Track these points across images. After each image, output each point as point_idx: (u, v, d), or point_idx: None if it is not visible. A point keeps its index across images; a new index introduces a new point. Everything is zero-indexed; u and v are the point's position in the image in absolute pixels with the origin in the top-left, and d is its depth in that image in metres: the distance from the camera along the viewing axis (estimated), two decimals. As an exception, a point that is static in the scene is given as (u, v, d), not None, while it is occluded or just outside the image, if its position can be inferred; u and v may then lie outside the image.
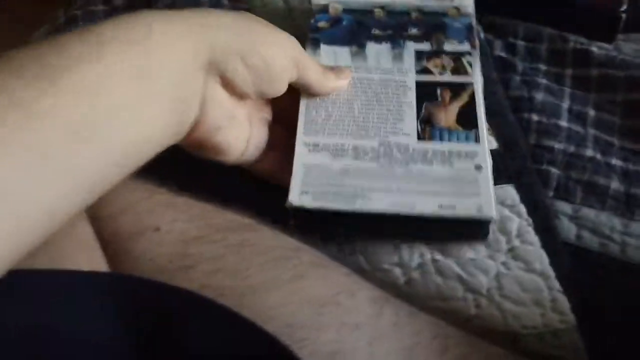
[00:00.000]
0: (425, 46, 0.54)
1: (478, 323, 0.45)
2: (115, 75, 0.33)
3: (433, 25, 0.56)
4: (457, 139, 0.48)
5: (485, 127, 0.49)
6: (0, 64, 0.30)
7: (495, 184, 0.47)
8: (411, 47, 0.54)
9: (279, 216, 0.44)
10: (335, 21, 0.57)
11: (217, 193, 0.43)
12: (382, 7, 0.57)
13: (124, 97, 0.33)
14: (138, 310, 0.35)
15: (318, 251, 0.42)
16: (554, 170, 0.53)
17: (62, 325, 0.34)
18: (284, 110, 0.49)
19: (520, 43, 0.60)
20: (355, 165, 0.47)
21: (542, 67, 0.59)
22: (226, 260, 0.39)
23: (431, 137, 0.48)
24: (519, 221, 0.49)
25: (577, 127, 0.55)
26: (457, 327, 0.42)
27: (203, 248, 0.39)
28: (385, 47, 0.54)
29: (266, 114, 0.49)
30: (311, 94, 0.49)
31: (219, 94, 0.41)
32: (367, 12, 0.57)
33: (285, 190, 0.46)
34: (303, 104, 0.50)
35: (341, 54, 0.54)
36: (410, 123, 0.49)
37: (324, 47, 0.54)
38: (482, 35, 0.60)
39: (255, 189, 0.49)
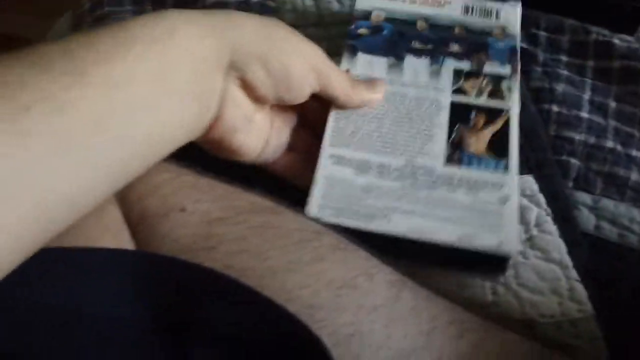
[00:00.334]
0: (464, 65, 0.52)
1: (495, 310, 0.45)
2: (138, 71, 0.34)
3: (475, 44, 0.54)
4: (486, 166, 0.46)
5: (517, 157, 0.47)
6: (29, 57, 0.31)
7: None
8: (450, 65, 0.52)
9: (299, 200, 0.44)
10: (376, 29, 0.55)
11: (240, 175, 0.44)
12: (426, 20, 0.55)
13: (146, 93, 0.34)
14: (161, 288, 0.36)
15: (338, 235, 0.42)
16: (574, 161, 0.53)
17: (87, 303, 0.35)
18: (312, 116, 0.49)
19: (543, 34, 0.60)
20: (378, 183, 0.46)
21: (564, 58, 0.59)
22: (248, 241, 0.39)
23: (459, 162, 0.46)
24: (538, 211, 0.49)
25: (597, 119, 0.55)
26: (473, 314, 0.42)
27: (226, 229, 0.40)
28: (423, 61, 0.52)
29: (289, 117, 0.49)
30: (339, 106, 0.49)
31: (238, 95, 0.42)
32: (409, 23, 0.55)
33: (300, 189, 0.46)
34: (332, 114, 0.49)
35: (378, 64, 0.52)
36: (440, 145, 0.47)
37: (361, 55, 0.53)
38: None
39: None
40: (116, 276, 0.36)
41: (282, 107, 0.47)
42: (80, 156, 0.31)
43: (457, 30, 0.55)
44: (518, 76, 0.52)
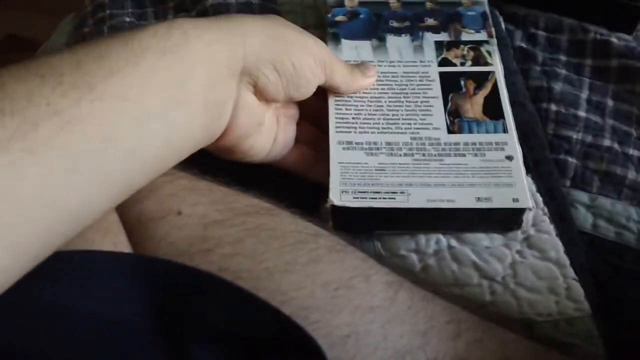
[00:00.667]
0: (443, 37, 0.55)
1: (493, 310, 0.46)
2: (150, 82, 0.33)
3: (448, 15, 0.56)
4: (486, 129, 0.48)
5: (511, 116, 0.49)
6: (38, 70, 0.30)
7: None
8: (430, 38, 0.55)
9: (298, 201, 0.44)
10: (353, 14, 0.57)
11: (237, 177, 0.44)
12: None
13: (158, 104, 0.34)
14: (159, 291, 0.36)
15: (335, 236, 0.42)
16: (572, 160, 0.53)
17: (87, 305, 0.35)
18: (310, 107, 0.50)
19: (541, 33, 0.60)
20: (390, 161, 0.47)
21: (562, 57, 0.59)
22: (245, 244, 0.40)
23: (460, 130, 0.49)
24: (535, 210, 0.49)
25: (595, 117, 0.55)
26: (471, 313, 0.42)
27: (223, 232, 0.40)
28: (405, 39, 0.55)
29: (293, 112, 0.49)
30: (339, 93, 0.50)
31: (251, 101, 0.42)
32: (383, 4, 0.57)
33: (308, 183, 0.46)
34: (332, 102, 0.50)
35: (363, 48, 0.54)
36: (439, 116, 0.49)
37: (345, 42, 0.55)
38: (503, 25, 0.60)
39: (275, 174, 0.50)
40: (116, 279, 0.36)
41: (284, 103, 0.48)
42: (89, 172, 0.31)
43: (429, 4, 0.57)
44: (495, 40, 0.54)
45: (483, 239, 0.48)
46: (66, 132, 0.29)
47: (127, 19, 0.66)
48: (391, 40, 0.55)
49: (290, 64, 0.42)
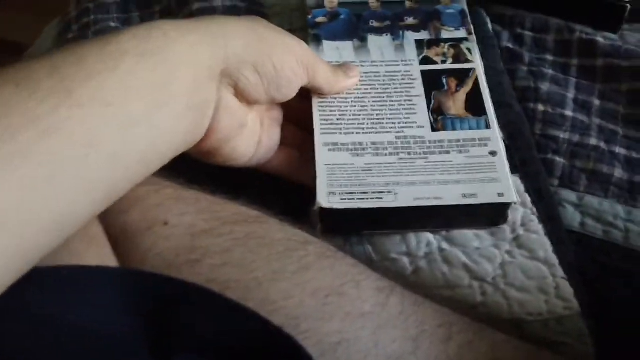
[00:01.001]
0: (423, 35, 0.55)
1: (484, 311, 0.46)
2: (131, 86, 0.33)
3: (428, 13, 0.57)
4: (469, 126, 0.49)
5: (493, 113, 0.50)
6: (14, 76, 0.30)
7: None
8: (411, 37, 0.55)
9: (286, 208, 0.44)
10: (333, 15, 0.57)
11: (224, 186, 0.44)
12: None
13: (139, 108, 0.33)
14: (147, 303, 0.35)
15: (325, 242, 0.42)
16: (559, 160, 0.53)
17: (76, 317, 0.34)
18: (294, 109, 0.49)
19: (528, 34, 0.61)
20: (376, 161, 0.47)
21: (549, 57, 0.59)
22: (233, 253, 0.39)
23: (444, 127, 0.49)
24: (524, 210, 0.49)
25: (582, 117, 0.56)
26: (462, 315, 0.42)
27: (210, 241, 0.40)
28: (386, 39, 0.55)
29: (277, 114, 0.49)
30: (323, 94, 0.50)
31: (232, 103, 0.42)
32: (362, 4, 0.58)
33: (295, 186, 0.46)
34: (315, 104, 0.50)
35: (344, 48, 0.54)
36: (423, 115, 0.50)
37: (326, 43, 0.55)
38: (490, 26, 0.60)
39: (263, 181, 0.50)
40: (103, 292, 0.35)
41: (268, 105, 0.47)
42: (71, 180, 0.30)
43: (408, 4, 0.58)
44: (474, 37, 0.55)
45: (473, 240, 0.48)
46: (45, 139, 0.29)
47: (112, 24, 0.65)
48: (372, 40, 0.55)
49: (271, 65, 0.42)
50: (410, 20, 0.56)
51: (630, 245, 0.50)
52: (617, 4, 0.57)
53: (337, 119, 0.49)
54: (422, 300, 0.42)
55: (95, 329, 0.35)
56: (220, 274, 0.38)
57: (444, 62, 0.53)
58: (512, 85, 0.57)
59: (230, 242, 0.40)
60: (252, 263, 0.39)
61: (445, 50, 0.54)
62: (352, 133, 0.49)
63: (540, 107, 0.56)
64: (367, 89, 0.51)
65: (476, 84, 0.51)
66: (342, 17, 0.57)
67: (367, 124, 0.49)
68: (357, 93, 0.51)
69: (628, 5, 0.57)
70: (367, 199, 0.45)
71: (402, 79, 0.52)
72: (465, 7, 0.57)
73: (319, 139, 0.48)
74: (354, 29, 0.56)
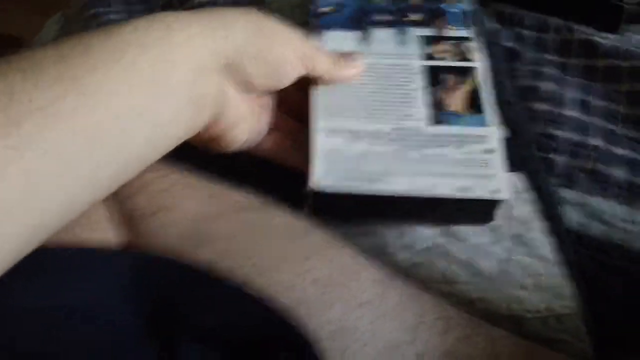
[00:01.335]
0: (427, 32, 0.55)
1: (482, 306, 0.46)
2: (134, 76, 0.33)
3: (433, 11, 0.57)
4: (467, 123, 0.49)
5: (493, 111, 0.50)
6: (19, 64, 0.30)
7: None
8: (414, 33, 0.55)
9: (289, 197, 0.44)
10: (339, 6, 0.57)
11: (229, 173, 0.44)
12: None
13: (142, 98, 0.33)
14: (150, 288, 0.36)
15: (326, 233, 0.42)
16: (559, 159, 0.53)
17: (76, 304, 0.35)
18: (286, 94, 0.49)
19: (528, 33, 0.61)
20: (371, 149, 0.47)
21: (549, 57, 0.59)
22: (236, 240, 0.39)
23: (442, 122, 0.49)
24: (524, 208, 0.49)
25: (582, 116, 0.56)
26: (460, 310, 0.42)
27: (214, 228, 0.40)
28: (389, 32, 0.55)
29: (267, 100, 0.49)
30: (323, 83, 0.50)
31: (233, 94, 0.42)
32: None
33: (290, 172, 0.46)
34: (314, 90, 0.50)
35: (346, 39, 0.54)
36: (421, 109, 0.50)
37: (328, 33, 0.55)
38: (490, 24, 0.61)
39: (267, 169, 0.50)
40: (106, 277, 0.36)
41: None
42: (76, 168, 0.30)
43: (412, 0, 0.58)
44: (477, 35, 0.55)
45: (472, 237, 0.48)
46: (50, 129, 0.29)
47: (114, 17, 0.65)
48: (375, 33, 0.55)
49: (271, 57, 0.42)
50: (414, 17, 0.56)
51: (630, 246, 0.50)
52: (617, 4, 0.58)
53: (337, 106, 0.49)
54: (421, 292, 0.42)
55: (96, 315, 0.35)
56: (224, 259, 0.38)
57: (446, 59, 0.53)
58: (512, 83, 0.57)
59: (233, 229, 0.40)
60: (254, 250, 0.39)
61: (448, 47, 0.54)
62: (350, 119, 0.49)
63: (541, 106, 0.56)
64: (367, 80, 0.51)
65: (477, 82, 0.52)
66: (346, 8, 0.57)
67: (365, 113, 0.49)
68: (357, 82, 0.51)
69: (626, 6, 0.57)
70: (359, 185, 0.45)
71: (403, 73, 0.52)
72: (470, 7, 0.57)
73: (316, 123, 0.48)
74: (358, 21, 0.56)
